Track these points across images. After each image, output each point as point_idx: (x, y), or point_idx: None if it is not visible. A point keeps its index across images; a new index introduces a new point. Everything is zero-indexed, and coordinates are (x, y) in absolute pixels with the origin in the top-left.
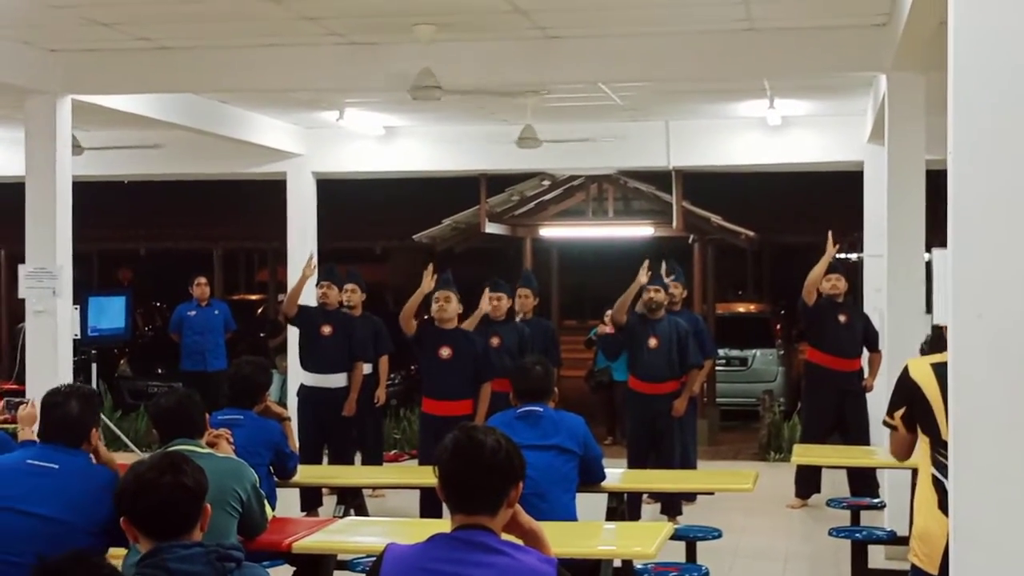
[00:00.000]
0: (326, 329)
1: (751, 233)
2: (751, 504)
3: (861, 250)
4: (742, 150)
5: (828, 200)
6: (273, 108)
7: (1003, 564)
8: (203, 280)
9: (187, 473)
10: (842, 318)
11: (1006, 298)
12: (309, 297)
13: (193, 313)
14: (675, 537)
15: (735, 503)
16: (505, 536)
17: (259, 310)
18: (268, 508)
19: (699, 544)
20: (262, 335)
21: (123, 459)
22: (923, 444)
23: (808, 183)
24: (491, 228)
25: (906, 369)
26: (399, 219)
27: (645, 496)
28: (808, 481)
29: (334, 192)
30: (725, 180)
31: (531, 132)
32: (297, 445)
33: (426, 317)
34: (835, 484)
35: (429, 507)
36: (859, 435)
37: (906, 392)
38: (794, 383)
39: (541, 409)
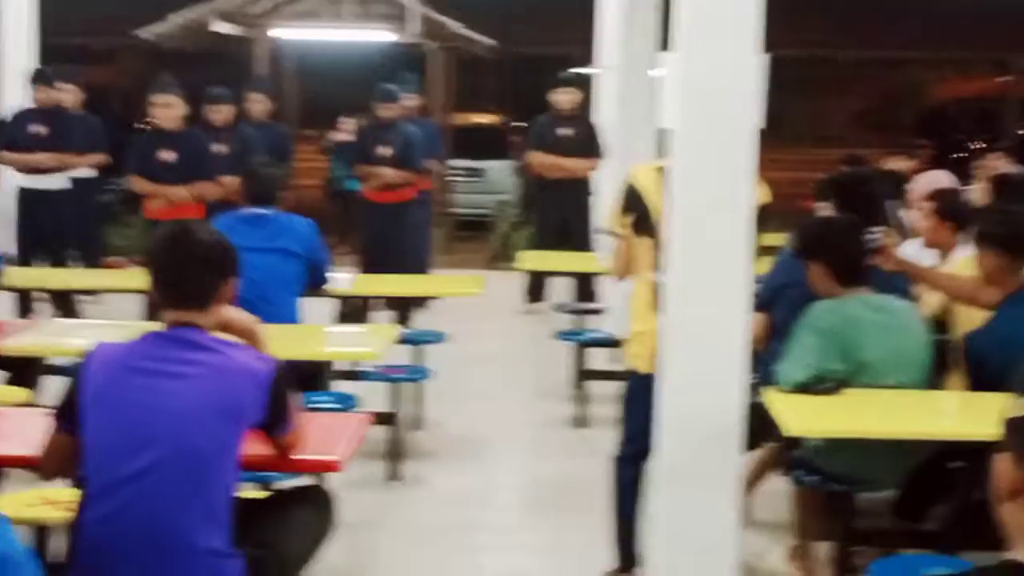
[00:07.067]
0: (40, 130)
1: (491, 41)
2: (481, 311)
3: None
4: None
5: (566, 11)
6: None
7: (708, 355)
8: None
9: None
10: (564, 131)
11: (727, 98)
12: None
13: None
14: (403, 341)
15: (465, 310)
16: (219, 335)
17: None
18: None
19: (426, 348)
20: None
21: None
22: (642, 248)
23: None
24: (221, 27)
25: (630, 176)
26: (122, 15)
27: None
28: (536, 288)
29: None
30: None
31: None
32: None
33: (147, 122)
34: (563, 291)
35: (155, 314)
36: (583, 242)
37: (631, 198)
38: (528, 194)
39: (268, 212)
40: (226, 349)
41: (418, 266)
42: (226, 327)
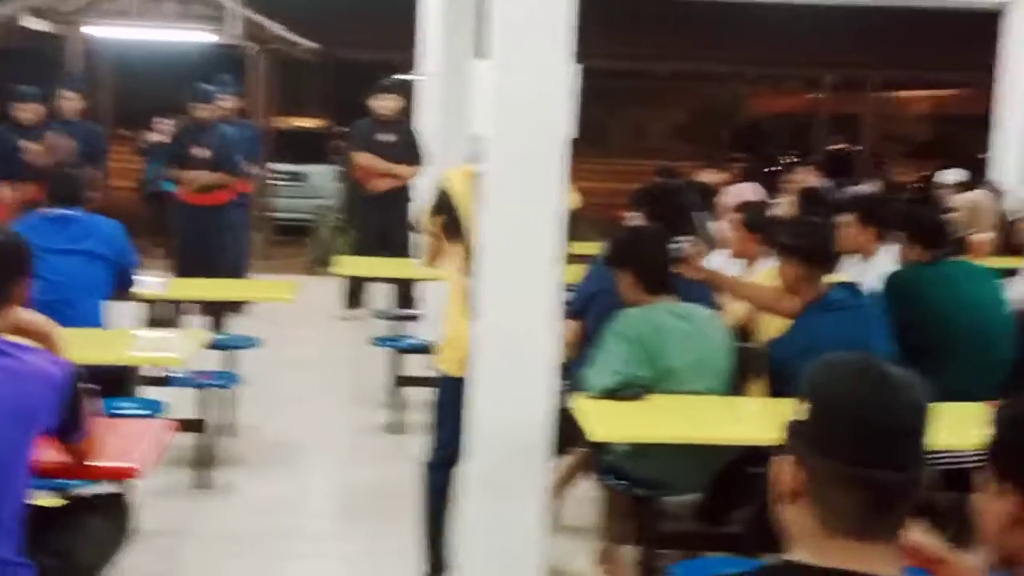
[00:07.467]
0: None
1: (313, 45)
2: (299, 316)
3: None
4: None
5: (390, 16)
6: None
7: (518, 362)
8: None
9: None
10: (385, 137)
11: (539, 107)
12: None
13: None
14: (214, 347)
15: (283, 316)
16: (12, 338)
17: None
18: None
19: (240, 353)
20: None
21: None
22: (453, 253)
23: None
24: (33, 24)
25: (443, 179)
26: None
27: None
28: (354, 294)
29: None
30: None
31: None
32: None
33: None
34: (382, 297)
35: None
36: (402, 248)
37: (442, 201)
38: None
39: (73, 213)
40: (18, 352)
41: (235, 270)
42: (19, 330)
